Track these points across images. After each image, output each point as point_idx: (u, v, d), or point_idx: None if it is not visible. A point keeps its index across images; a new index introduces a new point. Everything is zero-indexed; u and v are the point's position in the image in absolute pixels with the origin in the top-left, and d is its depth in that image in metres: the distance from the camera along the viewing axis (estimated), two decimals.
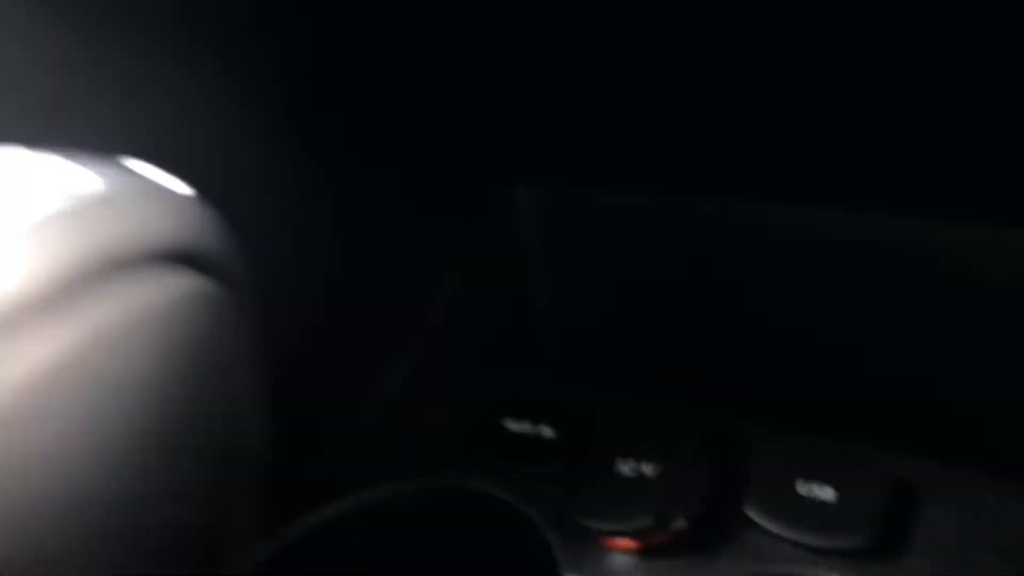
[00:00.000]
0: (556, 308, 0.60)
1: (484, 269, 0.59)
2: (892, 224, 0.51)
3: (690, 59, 0.44)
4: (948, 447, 0.51)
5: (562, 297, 0.60)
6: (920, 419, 0.49)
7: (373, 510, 0.50)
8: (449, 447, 0.51)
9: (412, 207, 0.56)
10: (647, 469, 0.44)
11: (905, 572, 0.41)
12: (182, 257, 0.26)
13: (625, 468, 0.45)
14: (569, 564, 0.44)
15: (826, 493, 0.43)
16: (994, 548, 0.41)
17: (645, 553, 0.44)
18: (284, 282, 0.46)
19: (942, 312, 0.51)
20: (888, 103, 0.43)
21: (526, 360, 0.61)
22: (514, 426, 0.50)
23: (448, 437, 0.51)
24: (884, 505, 0.42)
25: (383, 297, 0.56)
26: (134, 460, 0.25)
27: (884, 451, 0.45)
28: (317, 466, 0.52)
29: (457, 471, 0.49)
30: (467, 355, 0.59)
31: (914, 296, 0.51)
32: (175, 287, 0.26)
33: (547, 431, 0.49)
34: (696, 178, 0.54)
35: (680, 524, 0.43)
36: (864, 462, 0.44)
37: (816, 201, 0.52)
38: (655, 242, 0.56)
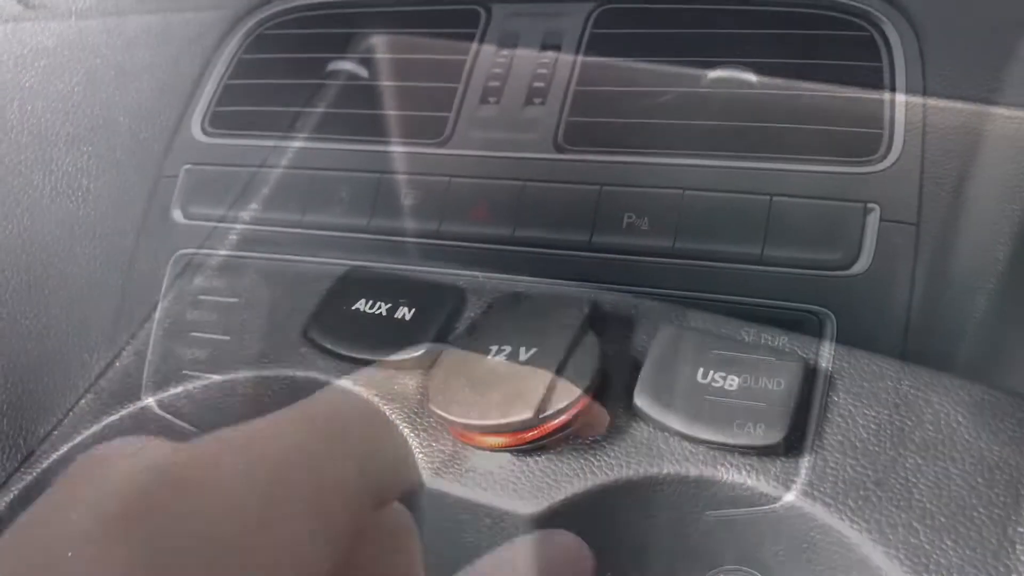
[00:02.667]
0: None
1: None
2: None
3: None
4: (858, 330, 0.46)
5: None
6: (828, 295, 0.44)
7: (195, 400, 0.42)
8: (287, 333, 0.43)
9: None
10: (522, 353, 0.37)
11: (817, 472, 0.35)
12: None
13: (497, 353, 0.38)
14: (431, 467, 0.37)
15: (730, 383, 0.37)
16: (915, 444, 0.35)
17: (519, 452, 0.37)
18: None
19: None
20: None
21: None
22: (366, 308, 0.43)
23: (287, 322, 0.43)
24: (795, 396, 0.36)
25: None
26: None
27: (793, 336, 0.39)
28: (127, 354, 0.43)
29: (295, 361, 0.41)
30: None
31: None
32: None
33: (405, 312, 0.42)
34: None
35: (560, 417, 0.36)
36: (773, 348, 0.38)
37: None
38: None
